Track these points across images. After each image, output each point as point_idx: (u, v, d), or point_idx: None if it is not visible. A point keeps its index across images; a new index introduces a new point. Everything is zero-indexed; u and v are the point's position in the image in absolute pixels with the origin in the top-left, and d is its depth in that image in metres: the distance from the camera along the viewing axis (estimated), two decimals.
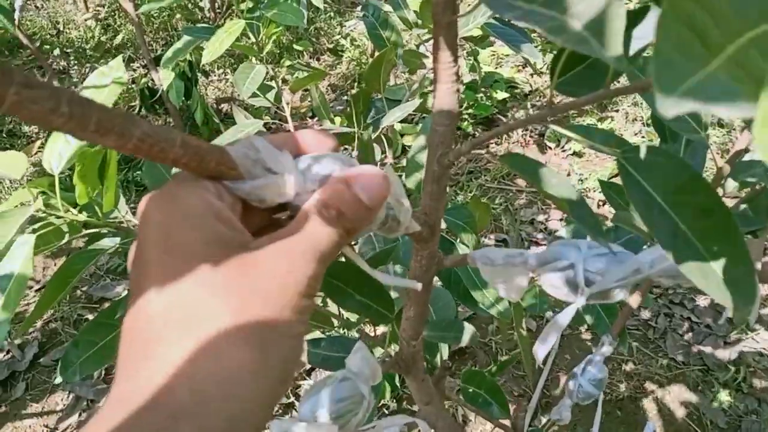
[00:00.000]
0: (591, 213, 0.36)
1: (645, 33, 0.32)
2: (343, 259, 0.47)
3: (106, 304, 1.67)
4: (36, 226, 0.67)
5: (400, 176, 1.04)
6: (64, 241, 0.70)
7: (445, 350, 0.71)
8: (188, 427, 0.21)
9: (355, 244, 0.89)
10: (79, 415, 1.41)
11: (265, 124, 1.11)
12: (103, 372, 1.51)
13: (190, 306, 0.23)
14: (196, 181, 0.26)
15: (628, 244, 0.71)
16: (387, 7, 1.17)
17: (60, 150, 0.68)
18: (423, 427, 0.50)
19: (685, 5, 0.17)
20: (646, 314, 1.61)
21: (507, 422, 0.83)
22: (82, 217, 0.68)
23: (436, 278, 0.75)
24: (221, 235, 0.25)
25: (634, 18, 0.32)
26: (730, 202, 0.67)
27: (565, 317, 0.39)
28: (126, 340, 0.24)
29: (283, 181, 0.29)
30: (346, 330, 0.82)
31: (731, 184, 0.69)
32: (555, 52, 0.35)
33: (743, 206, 0.63)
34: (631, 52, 0.32)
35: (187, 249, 0.24)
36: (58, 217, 0.68)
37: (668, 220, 0.30)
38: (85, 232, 0.72)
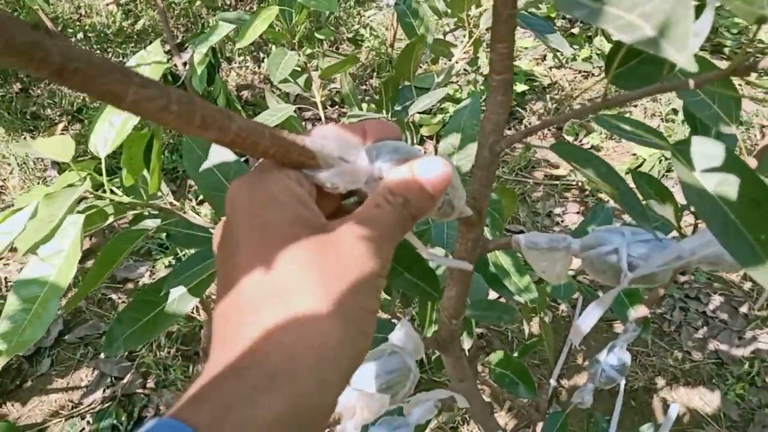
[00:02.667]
0: (638, 200, 0.38)
1: (699, 30, 0.34)
2: None
3: (129, 285, 1.71)
4: (81, 207, 0.70)
5: None
6: (108, 222, 0.73)
7: (472, 332, 0.73)
8: (283, 386, 0.23)
9: None
10: (103, 391, 1.45)
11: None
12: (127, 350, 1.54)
13: (281, 279, 0.25)
14: (279, 169, 0.28)
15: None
16: None
17: (105, 135, 0.70)
18: (460, 400, 0.53)
19: None
20: (662, 308, 1.63)
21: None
22: (127, 198, 0.71)
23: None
24: (304, 217, 0.27)
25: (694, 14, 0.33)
26: None
27: (608, 298, 0.41)
28: (220, 314, 0.26)
29: (355, 169, 0.31)
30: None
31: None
32: (578, 47, 0.37)
33: None
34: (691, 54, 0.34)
35: (275, 229, 0.26)
36: (103, 199, 0.70)
37: (720, 210, 0.32)
38: (128, 213, 0.74)
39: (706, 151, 0.33)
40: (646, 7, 0.26)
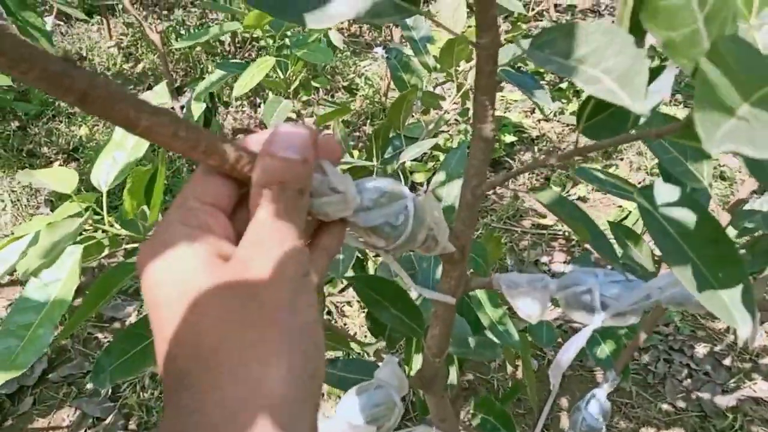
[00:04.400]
0: (609, 243, 0.40)
1: (661, 87, 0.38)
2: (381, 274, 0.51)
3: (116, 324, 1.70)
4: (80, 239, 0.71)
5: None
6: (103, 254, 0.75)
7: (453, 374, 0.75)
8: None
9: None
10: (85, 431, 1.43)
11: None
12: (110, 390, 1.52)
13: (206, 341, 0.24)
14: (180, 217, 0.27)
15: None
16: (408, 51, 1.24)
17: (108, 169, 0.73)
18: None
19: (710, 69, 0.22)
20: (645, 358, 1.64)
21: None
22: (125, 231, 0.73)
23: None
24: (213, 263, 0.26)
25: (651, 74, 0.37)
26: None
27: (583, 336, 0.43)
28: (165, 377, 0.25)
29: (346, 199, 0.34)
30: (362, 352, 0.86)
31: (731, 232, 0.73)
32: (565, 101, 0.40)
33: (743, 251, 0.67)
34: (649, 105, 0.37)
35: (185, 286, 0.25)
36: (103, 231, 0.72)
37: (680, 249, 0.35)
38: (125, 246, 0.76)
39: (668, 195, 0.36)
40: (608, 63, 0.30)
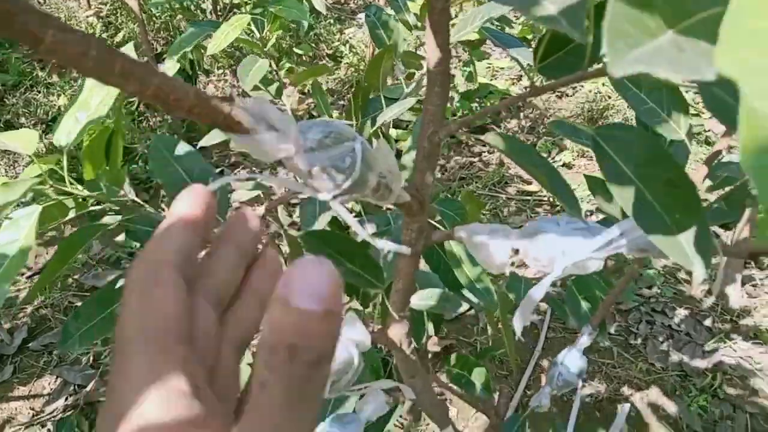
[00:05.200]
0: (567, 186, 0.39)
1: None
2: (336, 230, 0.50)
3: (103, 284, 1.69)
4: (41, 202, 0.70)
5: None
6: (67, 217, 0.73)
7: (430, 329, 0.74)
8: None
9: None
10: (66, 399, 1.43)
11: None
12: (91, 357, 1.52)
13: None
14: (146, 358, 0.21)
15: None
16: (389, 11, 1.21)
17: (69, 129, 0.71)
18: (407, 392, 0.53)
19: None
20: (628, 320, 1.65)
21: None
22: (87, 192, 0.71)
23: (426, 264, 0.78)
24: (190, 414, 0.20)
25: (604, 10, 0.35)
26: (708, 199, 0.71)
27: (545, 284, 0.42)
28: None
29: (285, 137, 0.32)
30: None
31: (708, 184, 0.73)
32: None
33: (718, 203, 0.67)
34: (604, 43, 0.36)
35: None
36: (64, 193, 0.71)
37: (637, 191, 0.33)
38: (89, 209, 0.74)
39: (627, 137, 0.35)
40: None
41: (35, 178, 0.65)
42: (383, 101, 1.14)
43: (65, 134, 0.69)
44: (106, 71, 0.25)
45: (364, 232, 0.38)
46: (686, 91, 2.43)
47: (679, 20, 0.21)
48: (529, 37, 2.93)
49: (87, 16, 2.99)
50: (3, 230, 0.62)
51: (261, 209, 1.13)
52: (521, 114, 2.52)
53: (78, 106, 0.72)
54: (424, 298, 0.57)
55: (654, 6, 0.21)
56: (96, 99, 0.72)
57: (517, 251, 0.46)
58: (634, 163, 0.34)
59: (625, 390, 1.46)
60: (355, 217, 0.97)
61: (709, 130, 2.37)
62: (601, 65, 0.35)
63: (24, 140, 0.71)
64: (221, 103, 0.29)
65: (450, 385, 0.79)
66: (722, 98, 0.33)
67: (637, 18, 0.20)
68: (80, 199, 0.72)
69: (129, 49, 0.76)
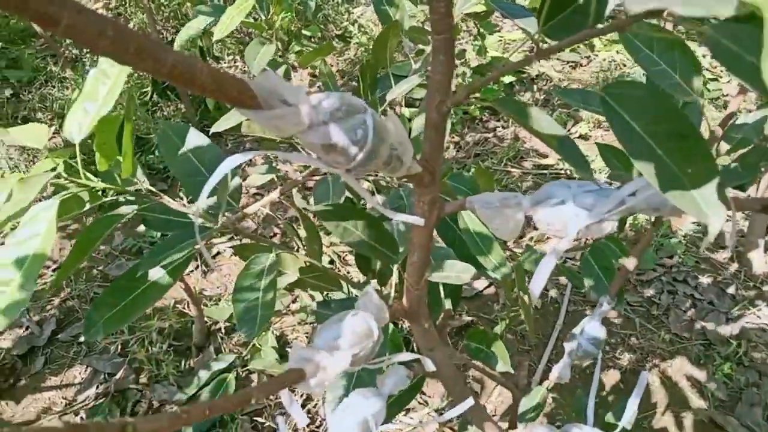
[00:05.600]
0: (577, 149, 0.39)
1: None
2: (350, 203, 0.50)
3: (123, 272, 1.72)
4: (58, 196, 0.70)
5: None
6: (84, 209, 0.74)
7: (448, 303, 0.74)
8: None
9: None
10: (97, 387, 1.46)
11: None
12: (119, 346, 1.55)
13: None
14: None
15: None
16: None
17: (79, 120, 0.71)
18: (427, 364, 0.53)
19: None
20: (649, 291, 1.63)
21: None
22: (102, 184, 0.72)
23: (441, 240, 0.78)
24: None
25: None
26: (723, 161, 0.70)
27: (561, 246, 0.42)
28: None
29: (298, 111, 0.32)
30: (355, 292, 0.86)
31: (724, 147, 0.71)
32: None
33: (734, 164, 0.65)
34: (611, 2, 0.35)
35: None
36: (79, 185, 0.71)
37: (647, 146, 0.33)
38: (104, 199, 0.75)
39: (636, 93, 0.34)
40: None
41: (50, 173, 0.66)
42: (392, 78, 1.13)
43: (76, 127, 0.70)
44: (123, 50, 0.25)
45: (377, 203, 0.38)
46: (702, 56, 2.37)
47: None
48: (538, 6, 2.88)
49: (96, 8, 3.01)
50: (23, 226, 0.63)
51: (275, 193, 1.14)
52: (535, 87, 2.49)
53: (84, 97, 0.72)
54: (437, 270, 0.57)
55: None
56: (103, 89, 0.72)
57: (529, 217, 0.46)
58: (644, 120, 0.33)
59: (649, 360, 1.46)
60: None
61: (727, 95, 2.32)
62: (606, 24, 0.35)
63: (35, 134, 0.72)
64: (233, 81, 0.29)
65: (471, 360, 0.80)
66: (737, 53, 0.32)
67: None
68: (96, 191, 0.73)
69: None
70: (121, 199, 0.78)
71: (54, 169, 0.70)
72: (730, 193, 0.38)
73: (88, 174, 0.71)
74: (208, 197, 0.79)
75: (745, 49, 0.33)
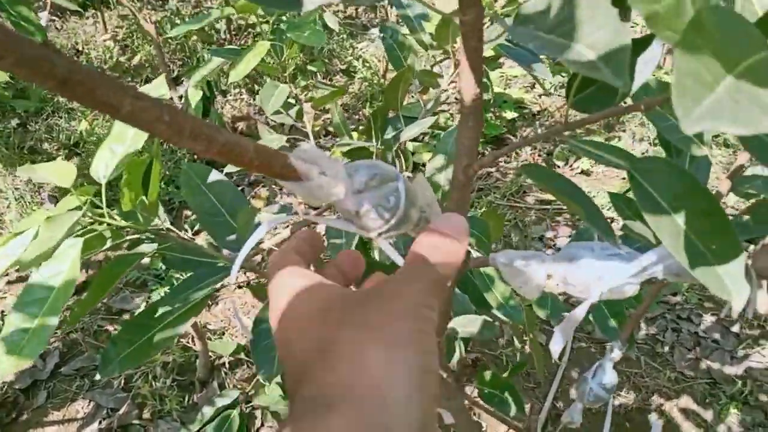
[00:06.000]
0: (602, 216, 0.40)
1: (651, 58, 0.37)
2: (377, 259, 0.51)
3: (126, 316, 1.72)
4: (80, 232, 0.72)
5: None
6: (106, 246, 0.75)
7: (460, 350, 0.75)
8: (346, 410, 0.24)
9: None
10: (99, 422, 1.45)
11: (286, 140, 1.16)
12: (123, 381, 1.54)
13: (331, 337, 0.27)
14: (295, 264, 0.33)
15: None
16: (404, 30, 1.22)
17: (106, 161, 0.73)
18: (446, 416, 0.54)
19: (694, 40, 0.21)
20: (653, 329, 1.64)
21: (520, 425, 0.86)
22: (125, 223, 0.73)
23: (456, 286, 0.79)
24: (331, 290, 0.31)
25: (641, 46, 0.37)
26: (731, 213, 0.71)
27: (581, 311, 0.43)
28: (288, 377, 0.29)
29: (336, 182, 0.34)
30: None
31: (732, 198, 0.73)
32: (566, 74, 0.40)
33: (745, 217, 0.67)
34: (638, 77, 0.37)
35: (321, 304, 0.30)
36: (102, 223, 0.73)
37: (672, 222, 0.34)
38: (126, 238, 0.76)
39: (661, 168, 0.36)
40: (591, 38, 0.29)
41: (76, 211, 0.67)
42: (402, 120, 1.15)
43: (103, 167, 0.71)
44: (178, 134, 0.26)
45: (401, 260, 0.39)
46: None
47: (731, 68, 0.22)
48: (567, 81, 2.93)
49: (104, 40, 3.06)
50: (48, 263, 0.64)
51: (287, 231, 1.15)
52: (537, 122, 2.52)
53: (113, 139, 0.74)
54: (465, 325, 0.58)
55: (707, 58, 0.22)
56: (131, 131, 0.74)
57: (551, 277, 0.47)
58: (669, 196, 0.35)
59: (654, 399, 1.46)
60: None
61: (725, 132, 2.35)
62: (630, 102, 0.36)
63: (62, 173, 0.73)
64: (278, 157, 0.31)
65: (480, 402, 0.80)
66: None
67: (696, 71, 0.21)
68: (118, 229, 0.74)
69: (160, 82, 0.78)
70: (141, 237, 0.79)
71: (80, 208, 0.71)
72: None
73: (112, 213, 0.73)
74: (227, 238, 0.80)
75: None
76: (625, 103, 0.38)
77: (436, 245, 0.32)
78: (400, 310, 0.28)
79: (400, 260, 0.40)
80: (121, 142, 0.73)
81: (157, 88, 0.73)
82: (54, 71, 0.22)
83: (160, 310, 0.70)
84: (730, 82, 0.22)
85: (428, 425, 0.26)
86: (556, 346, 0.47)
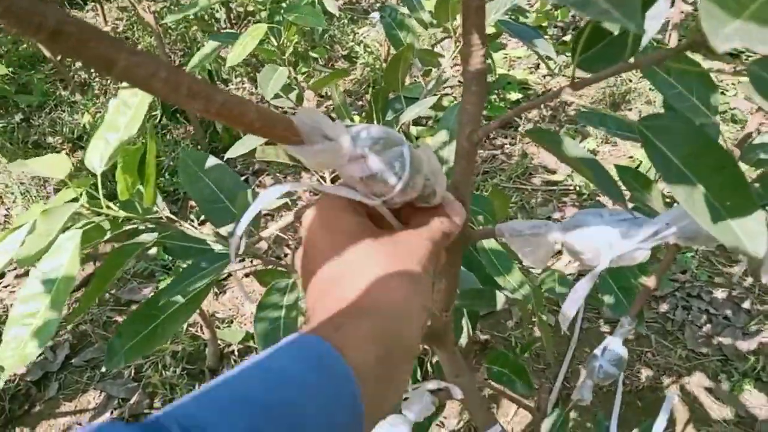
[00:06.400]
0: (611, 178, 0.39)
1: (657, 13, 0.36)
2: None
3: (134, 307, 1.72)
4: (79, 224, 0.71)
5: None
6: (105, 237, 0.74)
7: (468, 329, 0.74)
8: (371, 315, 0.32)
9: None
10: (111, 412, 1.45)
11: None
12: (133, 371, 1.55)
13: (358, 261, 0.35)
14: (341, 202, 0.37)
15: None
16: (404, 10, 1.21)
17: (101, 151, 0.72)
18: (455, 392, 0.53)
19: None
20: (664, 307, 1.63)
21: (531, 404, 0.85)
22: (123, 213, 0.72)
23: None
24: (364, 224, 0.37)
25: (648, 1, 0.35)
26: None
27: (591, 278, 0.42)
28: (312, 291, 0.36)
29: (339, 145, 0.32)
30: None
31: (742, 167, 0.71)
32: (569, 54, 0.38)
33: (755, 185, 0.65)
34: (646, 35, 0.35)
35: (348, 234, 0.36)
36: (100, 214, 0.72)
37: (685, 178, 0.33)
38: (125, 228, 0.75)
39: (672, 125, 0.34)
40: None
41: (73, 203, 0.66)
42: (404, 101, 1.14)
43: (98, 157, 0.70)
44: (175, 91, 0.25)
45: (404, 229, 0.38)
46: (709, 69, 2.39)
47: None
48: (544, 24, 2.90)
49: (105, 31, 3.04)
50: (47, 257, 0.63)
51: (290, 216, 1.14)
52: (541, 104, 2.50)
53: (106, 128, 0.72)
54: (468, 298, 0.57)
55: None
56: (123, 119, 0.72)
57: (560, 244, 0.46)
58: (682, 152, 0.34)
59: (666, 377, 1.45)
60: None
61: (734, 108, 2.32)
62: (637, 58, 0.35)
63: (55, 165, 0.72)
64: (279, 118, 0.30)
65: (490, 382, 0.79)
66: None
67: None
68: (117, 219, 0.73)
69: None
70: (142, 227, 0.78)
71: (76, 200, 0.70)
72: None
73: (110, 204, 0.72)
74: (227, 225, 0.79)
75: None
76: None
77: (442, 220, 0.40)
78: (418, 261, 0.36)
79: (400, 227, 0.39)
80: (114, 131, 0.72)
81: None
82: (45, 23, 0.21)
83: (163, 300, 0.69)
84: (753, 9, 0.21)
85: (419, 335, 0.36)
86: (566, 316, 0.46)
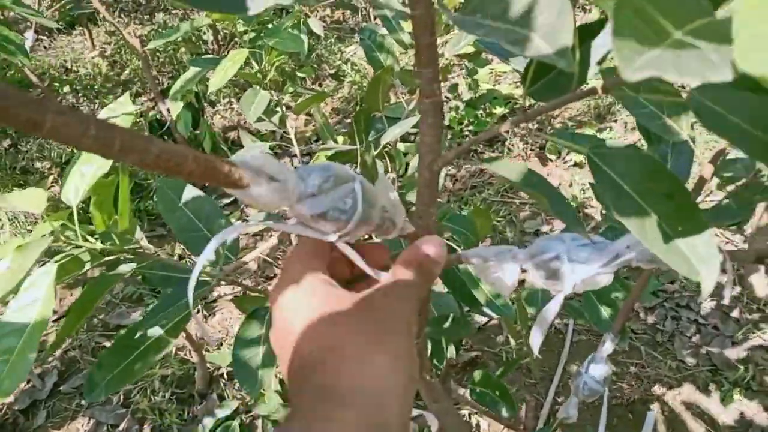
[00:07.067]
0: (569, 206, 0.39)
1: (605, 42, 0.36)
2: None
3: (123, 332, 1.71)
4: (57, 258, 0.70)
5: (402, 192, 1.08)
6: (85, 269, 0.74)
7: (451, 351, 0.74)
8: (353, 405, 0.30)
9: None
10: None
11: (271, 147, 1.15)
12: (122, 397, 1.53)
13: (338, 346, 0.32)
14: (304, 266, 0.37)
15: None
16: (383, 30, 1.22)
17: (76, 184, 0.72)
18: (431, 419, 0.53)
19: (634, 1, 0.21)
20: (652, 318, 1.63)
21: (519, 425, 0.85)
22: (100, 245, 0.72)
23: (441, 284, 0.78)
24: (340, 294, 0.35)
25: (596, 29, 0.36)
26: (716, 198, 0.70)
27: (554, 305, 0.42)
28: (293, 378, 0.34)
29: (285, 186, 0.33)
30: None
31: (715, 182, 0.72)
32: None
33: (726, 201, 0.66)
34: (594, 59, 0.36)
35: (321, 313, 0.34)
36: (77, 247, 0.72)
37: (636, 206, 0.33)
38: (104, 259, 0.75)
39: (620, 152, 0.35)
40: (537, 21, 0.29)
41: (48, 238, 0.66)
42: (385, 121, 1.14)
43: (73, 191, 0.71)
44: (107, 147, 0.25)
45: (368, 268, 0.39)
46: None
47: (680, 26, 0.21)
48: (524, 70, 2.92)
49: (93, 57, 3.06)
50: (23, 291, 0.63)
51: (274, 239, 1.14)
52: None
53: (82, 161, 0.73)
54: (438, 325, 0.57)
55: (652, 15, 0.21)
56: None
57: (524, 271, 0.46)
58: (632, 179, 0.34)
59: (657, 389, 1.44)
60: (367, 240, 0.98)
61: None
62: (590, 85, 0.35)
63: (32, 200, 0.72)
64: (220, 164, 0.30)
65: (475, 403, 0.79)
66: (721, 114, 0.33)
67: (638, 26, 0.21)
68: (96, 251, 0.73)
69: (125, 99, 0.77)
70: (121, 257, 0.78)
71: (53, 233, 0.70)
72: (723, 245, 0.39)
73: (87, 236, 0.72)
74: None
75: (729, 110, 0.34)
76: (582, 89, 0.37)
77: (421, 264, 0.38)
78: (399, 326, 0.34)
79: (361, 263, 0.39)
80: (89, 163, 0.72)
81: (123, 106, 0.72)
82: None
83: (140, 332, 0.69)
84: (674, 39, 0.21)
85: (410, 409, 0.34)
86: (535, 341, 0.46)
